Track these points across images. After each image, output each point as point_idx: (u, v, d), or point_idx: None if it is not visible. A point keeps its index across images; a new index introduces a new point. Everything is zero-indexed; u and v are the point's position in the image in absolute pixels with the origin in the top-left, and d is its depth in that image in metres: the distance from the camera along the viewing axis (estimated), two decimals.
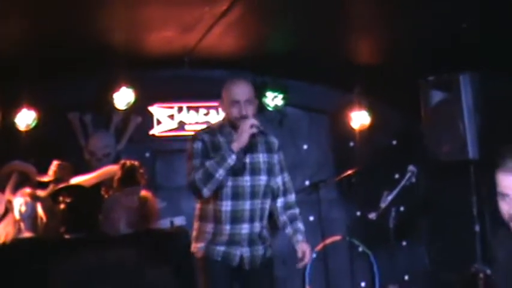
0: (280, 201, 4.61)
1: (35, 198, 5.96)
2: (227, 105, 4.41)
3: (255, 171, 4.43)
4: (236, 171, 4.32)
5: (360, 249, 7.81)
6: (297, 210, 4.67)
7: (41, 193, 6.08)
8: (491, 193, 6.09)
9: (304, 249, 4.52)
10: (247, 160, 4.41)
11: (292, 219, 4.62)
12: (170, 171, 7.38)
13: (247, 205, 4.39)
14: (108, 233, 5.77)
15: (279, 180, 4.58)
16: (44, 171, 6.41)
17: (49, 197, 6.05)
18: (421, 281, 7.62)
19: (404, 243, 7.73)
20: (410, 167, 5.50)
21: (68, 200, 5.86)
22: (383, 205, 5.38)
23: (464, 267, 5.89)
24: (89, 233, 5.76)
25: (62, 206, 5.86)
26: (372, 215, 5.42)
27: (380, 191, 5.57)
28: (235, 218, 4.38)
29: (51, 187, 6.24)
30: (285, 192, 4.62)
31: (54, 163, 6.44)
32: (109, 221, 5.84)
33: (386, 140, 8.02)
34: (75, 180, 6.31)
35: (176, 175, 7.19)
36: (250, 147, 4.38)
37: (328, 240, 7.56)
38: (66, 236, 5.73)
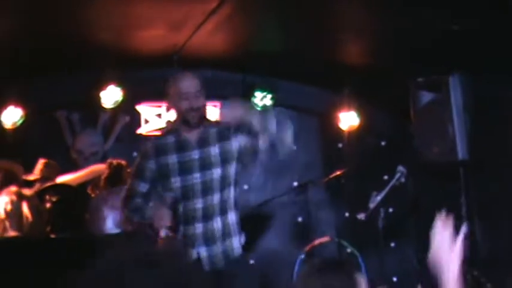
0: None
1: (20, 196, 5.89)
2: (176, 100, 4.34)
3: (205, 167, 4.30)
4: (185, 170, 4.27)
5: (349, 250, 7.78)
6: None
7: (26, 192, 6.02)
8: (480, 194, 6.10)
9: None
10: (196, 156, 4.31)
11: None
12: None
13: (199, 203, 4.28)
14: (95, 233, 5.72)
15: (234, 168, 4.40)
16: (30, 169, 6.35)
17: (35, 196, 5.99)
18: (409, 282, 7.60)
19: (393, 244, 7.71)
20: (400, 168, 5.50)
21: (54, 199, 5.81)
22: (372, 205, 5.37)
23: None
24: (75, 232, 5.72)
25: (48, 205, 5.81)
26: (361, 216, 5.42)
27: (369, 192, 5.56)
28: (187, 219, 4.28)
29: (37, 186, 6.19)
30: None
31: (41, 162, 6.39)
32: (95, 221, 5.80)
33: (375, 141, 8.00)
34: (61, 179, 6.26)
35: None
36: (200, 142, 4.33)
37: (317, 242, 7.52)
38: (52, 236, 5.68)
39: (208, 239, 4.29)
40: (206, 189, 4.29)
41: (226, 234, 4.33)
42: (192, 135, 4.36)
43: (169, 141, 4.37)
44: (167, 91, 4.42)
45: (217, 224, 4.31)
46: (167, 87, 4.41)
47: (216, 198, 4.30)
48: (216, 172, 4.31)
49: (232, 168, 4.36)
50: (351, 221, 7.49)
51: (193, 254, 4.21)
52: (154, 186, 4.37)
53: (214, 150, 4.33)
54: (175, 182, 4.28)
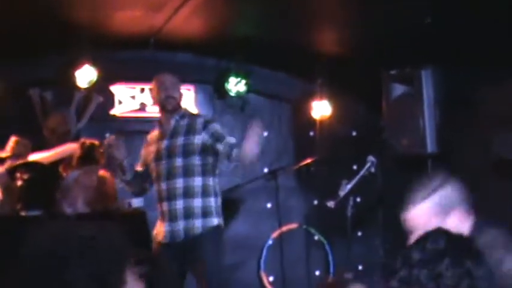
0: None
1: None
2: (156, 92, 5.07)
3: (171, 155, 4.93)
4: (157, 157, 4.98)
5: (316, 237, 7.87)
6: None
7: None
8: None
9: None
10: (165, 145, 4.96)
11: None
12: (130, 152, 7.34)
13: (164, 185, 4.91)
14: (65, 212, 5.72)
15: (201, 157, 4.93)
16: (1, 146, 6.31)
17: (6, 173, 5.97)
18: (374, 271, 7.71)
19: (359, 233, 7.80)
20: (370, 158, 5.57)
21: (26, 177, 5.78)
22: (341, 193, 5.44)
23: None
24: (46, 211, 5.70)
25: (19, 182, 5.78)
26: (331, 203, 5.49)
27: (338, 181, 5.63)
28: (158, 198, 4.98)
29: (8, 163, 6.14)
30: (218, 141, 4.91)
31: (13, 139, 6.34)
32: (67, 200, 5.79)
33: (346, 131, 8.06)
34: (33, 157, 6.23)
35: (136, 156, 7.14)
36: (172, 133, 4.98)
37: (285, 228, 7.60)
38: (22, 213, 5.66)
39: (171, 217, 4.88)
40: (169, 175, 4.92)
41: (188, 215, 4.87)
42: (167, 125, 5.05)
43: (155, 132, 5.15)
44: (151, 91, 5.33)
45: (179, 205, 4.85)
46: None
47: (178, 182, 4.89)
48: (178, 161, 4.92)
49: (194, 160, 4.92)
50: (319, 209, 7.57)
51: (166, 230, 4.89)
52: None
53: (180, 141, 4.96)
54: (152, 166, 5.04)
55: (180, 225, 4.86)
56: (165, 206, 4.92)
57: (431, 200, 2.77)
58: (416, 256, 1.97)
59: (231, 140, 4.89)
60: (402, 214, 2.87)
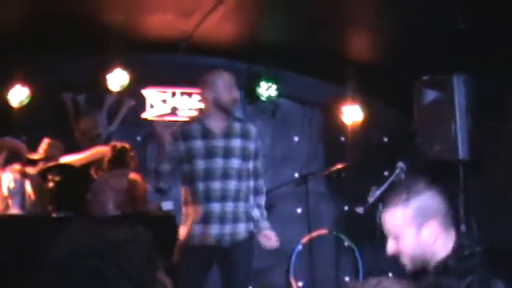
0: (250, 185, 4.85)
1: (24, 175, 5.93)
2: (219, 89, 4.70)
3: (228, 155, 4.69)
4: (209, 154, 4.66)
5: (346, 244, 7.84)
6: (263, 197, 4.94)
7: (30, 170, 6.06)
8: (479, 194, 6.13)
9: (267, 235, 4.78)
10: (220, 144, 4.69)
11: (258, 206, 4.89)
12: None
13: (217, 185, 4.65)
14: (96, 214, 5.77)
15: (251, 165, 4.82)
16: (34, 148, 6.39)
17: (38, 175, 6.03)
18: (405, 278, 7.65)
19: None
20: (400, 164, 5.53)
21: (57, 179, 5.84)
22: (371, 199, 5.41)
23: None
24: (77, 212, 5.75)
25: (51, 184, 5.84)
26: (360, 209, 5.46)
27: (368, 187, 5.59)
28: (207, 198, 4.65)
29: (40, 165, 6.22)
30: (255, 177, 4.87)
31: (45, 141, 6.42)
32: (97, 202, 5.82)
33: (377, 137, 8.04)
34: (65, 159, 6.29)
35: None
36: (226, 133, 4.72)
37: (315, 233, 7.58)
38: (54, 215, 5.72)
39: (221, 220, 4.66)
40: (226, 175, 4.68)
41: (236, 218, 4.70)
42: (216, 126, 4.74)
43: (195, 127, 4.74)
44: (206, 82, 4.77)
45: (229, 207, 4.68)
46: (205, 80, 4.77)
47: (231, 184, 4.69)
48: (236, 162, 4.71)
49: (249, 164, 4.79)
50: (349, 215, 7.54)
51: (212, 233, 4.64)
52: (179, 165, 4.77)
53: (236, 142, 4.74)
54: (200, 164, 4.66)
55: (227, 228, 4.67)
56: (215, 207, 4.65)
57: (409, 206, 2.68)
58: None
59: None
60: (380, 215, 2.82)
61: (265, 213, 4.90)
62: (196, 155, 4.67)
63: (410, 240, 2.70)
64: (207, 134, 4.71)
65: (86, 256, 1.96)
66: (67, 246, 2.01)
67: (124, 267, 1.94)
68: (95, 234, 2.05)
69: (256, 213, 4.83)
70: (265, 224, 4.83)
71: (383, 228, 2.82)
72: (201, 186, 4.66)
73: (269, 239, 4.78)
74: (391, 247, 2.74)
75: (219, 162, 4.66)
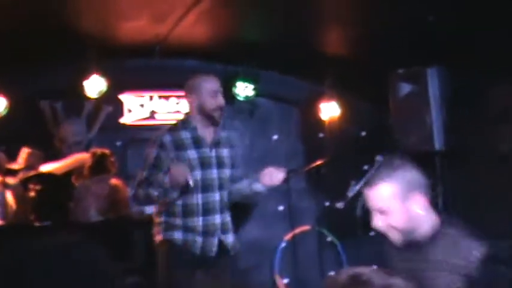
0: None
1: (4, 185, 5.94)
2: (204, 96, 4.53)
3: (221, 165, 4.56)
4: (205, 165, 4.48)
5: (329, 239, 7.89)
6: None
7: (10, 180, 6.07)
8: (456, 184, 6.18)
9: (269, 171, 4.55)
10: (213, 154, 4.53)
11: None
12: (141, 160, 7.32)
13: (217, 196, 4.51)
14: (78, 221, 5.79)
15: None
16: (14, 158, 6.39)
17: (19, 185, 6.04)
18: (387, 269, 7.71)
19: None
20: (379, 157, 5.58)
21: (38, 188, 5.86)
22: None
23: None
24: (59, 220, 5.77)
25: (32, 193, 5.86)
26: (340, 204, 5.49)
27: (349, 182, 5.63)
28: (207, 210, 4.47)
29: (21, 175, 6.22)
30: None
31: (25, 150, 6.43)
32: (79, 209, 5.86)
33: (355, 131, 8.08)
34: (45, 168, 6.30)
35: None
36: (214, 142, 4.56)
37: (297, 230, 7.64)
38: (36, 224, 5.73)
39: (215, 230, 4.50)
40: (221, 185, 4.55)
41: (225, 229, 4.58)
42: (206, 134, 4.56)
43: (185, 136, 4.51)
44: (190, 87, 4.58)
45: (226, 218, 4.60)
46: (189, 84, 4.59)
47: (224, 194, 4.58)
48: (227, 172, 4.60)
49: (237, 172, 4.69)
50: (331, 210, 7.59)
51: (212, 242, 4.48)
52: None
53: (226, 152, 4.62)
54: (197, 175, 4.42)
55: (216, 239, 4.50)
56: (216, 218, 4.49)
57: (393, 180, 2.72)
58: None
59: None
60: (364, 193, 2.81)
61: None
62: (195, 166, 4.44)
63: (399, 213, 2.72)
64: (198, 143, 4.52)
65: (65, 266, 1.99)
66: (49, 255, 2.05)
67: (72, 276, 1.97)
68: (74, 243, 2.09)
69: (244, 181, 4.69)
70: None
71: (364, 222, 2.85)
72: (200, 198, 4.45)
73: (271, 173, 4.50)
74: (378, 222, 2.76)
75: (214, 173, 4.51)
